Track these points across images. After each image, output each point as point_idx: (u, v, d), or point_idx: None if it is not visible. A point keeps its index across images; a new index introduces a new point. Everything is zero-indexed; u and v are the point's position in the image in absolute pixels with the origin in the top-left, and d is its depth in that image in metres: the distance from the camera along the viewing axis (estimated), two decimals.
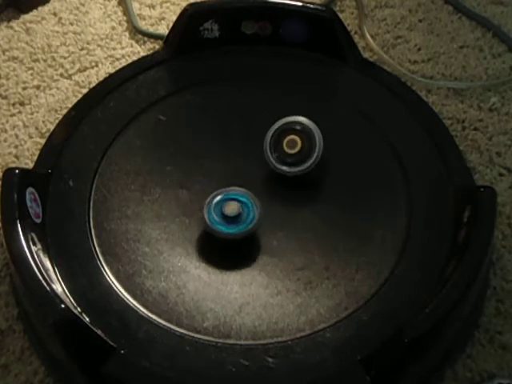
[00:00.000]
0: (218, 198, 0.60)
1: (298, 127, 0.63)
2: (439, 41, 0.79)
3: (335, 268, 0.59)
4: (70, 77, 0.76)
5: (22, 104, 0.73)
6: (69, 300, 0.55)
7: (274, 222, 0.61)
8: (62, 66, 0.76)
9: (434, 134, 0.66)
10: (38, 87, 0.75)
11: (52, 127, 0.69)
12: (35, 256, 0.55)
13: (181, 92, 0.71)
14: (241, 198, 0.60)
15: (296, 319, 0.56)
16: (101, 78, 0.74)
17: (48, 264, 0.57)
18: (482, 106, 0.72)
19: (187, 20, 0.72)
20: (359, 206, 0.63)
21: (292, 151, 0.62)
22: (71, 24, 0.80)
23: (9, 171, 0.60)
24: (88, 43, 0.78)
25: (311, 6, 0.73)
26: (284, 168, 0.62)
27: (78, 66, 0.76)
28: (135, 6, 0.82)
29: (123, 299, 0.57)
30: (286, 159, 0.62)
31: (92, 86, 0.73)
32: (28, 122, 0.72)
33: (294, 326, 0.55)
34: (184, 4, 0.76)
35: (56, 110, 0.72)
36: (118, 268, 0.58)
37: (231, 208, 0.59)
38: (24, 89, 0.74)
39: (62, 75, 0.76)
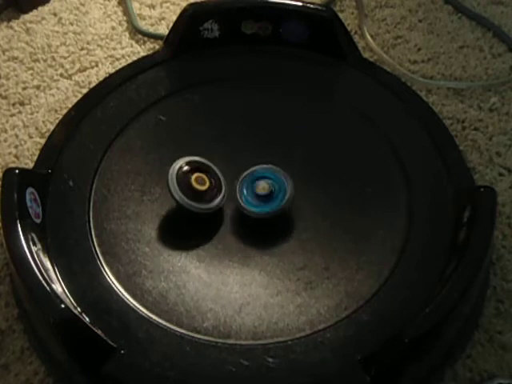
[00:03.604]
0: (249, 177, 0.61)
1: (197, 165, 0.61)
2: (439, 41, 0.79)
3: (335, 268, 0.59)
4: (70, 77, 0.76)
5: (22, 104, 0.73)
6: (69, 300, 0.55)
7: (274, 223, 0.61)
8: (62, 66, 0.76)
9: (434, 134, 0.66)
10: (38, 87, 0.75)
11: (52, 127, 0.70)
12: (35, 256, 0.55)
13: (181, 92, 0.71)
14: (271, 176, 0.61)
15: (296, 319, 0.56)
16: (101, 78, 0.74)
17: (48, 264, 0.57)
18: (482, 106, 0.72)
19: (187, 20, 0.72)
20: (359, 206, 0.63)
21: (202, 188, 0.60)
22: (71, 24, 0.80)
23: (9, 171, 0.60)
24: (88, 43, 0.78)
25: (311, 5, 0.73)
26: (199, 205, 0.60)
27: (77, 65, 0.76)
28: (135, 6, 0.82)
29: (123, 299, 0.57)
30: (195, 196, 0.60)
31: (92, 86, 0.73)
32: (28, 122, 0.72)
33: (293, 326, 0.55)
34: (184, 4, 0.76)
35: (56, 110, 0.72)
36: (118, 268, 0.59)
37: (262, 187, 0.60)
38: (24, 89, 0.75)
39: (62, 75, 0.76)
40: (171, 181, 0.60)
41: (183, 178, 0.60)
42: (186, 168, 0.61)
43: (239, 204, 0.60)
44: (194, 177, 0.60)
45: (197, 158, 0.62)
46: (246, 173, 0.61)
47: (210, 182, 0.61)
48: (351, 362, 0.52)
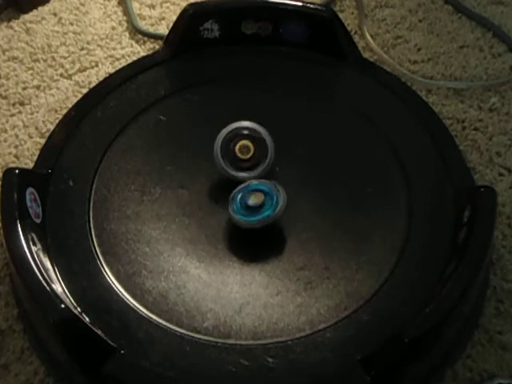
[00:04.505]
0: (244, 190, 0.60)
1: (247, 132, 0.62)
2: (439, 41, 0.79)
3: (335, 268, 0.59)
4: (70, 77, 0.76)
5: (22, 104, 0.73)
6: (69, 300, 0.55)
7: (274, 223, 0.61)
8: (62, 66, 0.76)
9: (434, 134, 0.66)
10: (38, 87, 0.75)
11: (52, 127, 0.70)
12: (35, 256, 0.55)
13: (181, 92, 0.71)
14: (264, 189, 0.60)
15: (296, 319, 0.56)
16: (101, 78, 0.74)
17: (48, 264, 0.57)
18: (482, 106, 0.72)
19: (187, 20, 0.72)
20: (359, 206, 0.63)
21: (245, 157, 0.62)
22: (71, 24, 0.80)
23: (9, 171, 0.60)
24: (88, 43, 0.78)
25: (311, 6, 0.73)
26: (238, 174, 0.62)
27: (77, 65, 0.76)
28: (135, 6, 0.82)
29: (123, 299, 0.57)
30: (239, 165, 0.62)
31: (92, 86, 0.73)
32: (28, 122, 0.72)
33: (293, 326, 0.55)
34: (184, 4, 0.76)
35: (56, 110, 0.72)
36: (118, 268, 0.59)
37: (255, 199, 0.59)
38: (24, 89, 0.75)
39: (62, 75, 0.76)
40: (216, 146, 0.61)
41: (229, 145, 0.62)
42: (233, 134, 0.62)
43: (231, 215, 0.60)
44: (239, 145, 0.61)
45: (249, 124, 0.62)
46: (239, 187, 0.61)
47: (255, 151, 0.61)
48: (351, 362, 0.52)
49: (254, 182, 0.61)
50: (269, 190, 0.60)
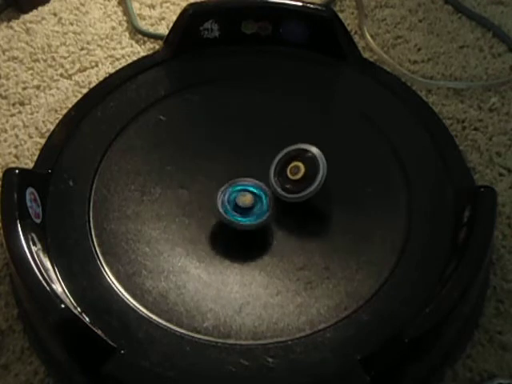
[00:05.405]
0: (231, 189, 0.60)
1: (305, 154, 0.62)
2: (439, 41, 0.79)
3: (335, 268, 0.59)
4: (70, 77, 0.76)
5: (22, 104, 0.73)
6: (69, 300, 0.55)
7: (275, 222, 0.61)
8: (62, 66, 0.76)
9: (434, 134, 0.66)
10: (38, 87, 0.75)
11: (52, 127, 0.70)
12: (35, 256, 0.55)
13: (181, 92, 0.71)
14: (254, 190, 0.60)
15: (296, 319, 0.56)
16: (101, 78, 0.74)
17: (48, 264, 0.57)
18: (482, 106, 0.72)
19: (187, 20, 0.72)
20: (359, 206, 0.63)
21: (295, 177, 0.61)
22: (71, 24, 0.80)
23: (9, 171, 0.60)
24: (88, 43, 0.78)
25: (311, 6, 0.73)
26: (285, 194, 0.61)
27: (77, 65, 0.76)
28: (135, 6, 0.82)
29: (123, 299, 0.57)
30: (287, 186, 0.62)
31: (92, 86, 0.73)
32: (28, 122, 0.72)
33: (293, 326, 0.55)
34: (184, 4, 0.76)
35: (56, 110, 0.72)
36: (118, 268, 0.59)
37: (245, 199, 0.59)
38: (24, 89, 0.75)
39: (62, 75, 0.76)
40: (270, 170, 0.62)
41: (282, 167, 0.62)
42: (288, 157, 0.62)
43: (219, 214, 0.59)
44: (290, 166, 0.61)
45: (302, 146, 0.62)
46: (226, 185, 0.61)
47: (306, 171, 0.61)
48: (351, 362, 0.52)
49: (242, 181, 0.61)
50: (256, 189, 0.60)
